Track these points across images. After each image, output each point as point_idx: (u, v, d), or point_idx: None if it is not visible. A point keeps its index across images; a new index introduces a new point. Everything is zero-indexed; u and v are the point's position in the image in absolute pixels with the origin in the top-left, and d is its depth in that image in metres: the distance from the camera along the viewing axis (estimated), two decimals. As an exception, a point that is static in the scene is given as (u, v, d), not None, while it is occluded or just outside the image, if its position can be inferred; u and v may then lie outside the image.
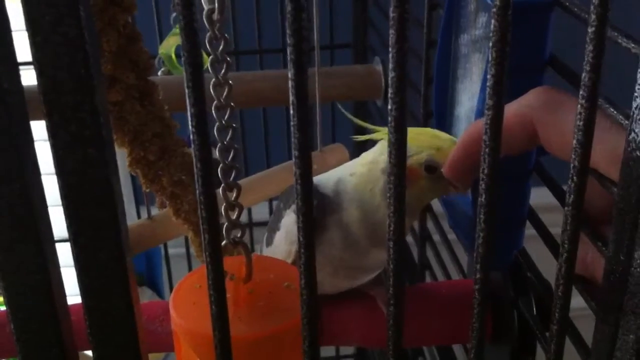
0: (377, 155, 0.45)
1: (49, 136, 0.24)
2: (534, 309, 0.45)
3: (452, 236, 0.58)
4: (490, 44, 0.23)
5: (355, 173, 0.45)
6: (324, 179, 0.46)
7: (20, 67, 0.24)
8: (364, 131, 1.01)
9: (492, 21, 0.23)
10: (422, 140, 0.43)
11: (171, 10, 0.86)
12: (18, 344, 0.29)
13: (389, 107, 0.24)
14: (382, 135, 0.46)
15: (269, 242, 0.50)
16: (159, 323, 0.49)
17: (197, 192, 0.25)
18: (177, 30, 0.85)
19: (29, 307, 0.28)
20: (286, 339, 0.36)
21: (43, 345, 0.29)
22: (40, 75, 0.23)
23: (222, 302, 0.27)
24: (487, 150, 0.25)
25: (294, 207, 0.47)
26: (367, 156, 0.46)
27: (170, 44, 0.85)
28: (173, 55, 0.86)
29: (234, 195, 0.35)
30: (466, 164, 0.40)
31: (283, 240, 0.48)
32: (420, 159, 0.42)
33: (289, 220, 0.47)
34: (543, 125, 0.35)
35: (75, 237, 0.26)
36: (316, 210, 0.43)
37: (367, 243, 0.45)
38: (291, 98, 0.24)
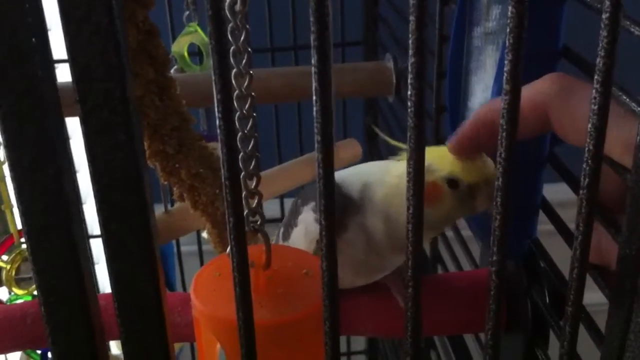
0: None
1: (81, 122, 0.25)
2: (547, 298, 0.46)
3: (464, 231, 0.58)
4: (508, 30, 0.24)
5: (386, 183, 0.45)
6: (349, 179, 0.46)
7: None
8: (374, 130, 1.01)
9: (510, 7, 0.24)
10: (445, 158, 0.42)
11: (184, 8, 0.87)
12: (48, 327, 0.29)
13: (409, 92, 0.25)
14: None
15: (286, 237, 0.51)
16: (177, 314, 0.50)
17: (223, 177, 0.26)
18: (190, 29, 0.86)
19: (59, 291, 0.28)
20: (306, 325, 0.37)
21: (73, 328, 0.29)
22: (73, 63, 0.24)
23: (246, 283, 0.28)
24: (504, 134, 0.26)
25: (312, 204, 0.48)
26: (399, 167, 0.45)
27: (183, 43, 0.86)
28: (186, 54, 0.87)
29: (254, 183, 0.35)
30: (473, 143, 0.40)
31: (302, 237, 0.48)
32: (442, 174, 0.42)
33: (308, 218, 0.48)
34: (557, 111, 0.36)
35: (106, 222, 0.27)
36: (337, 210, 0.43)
37: (387, 249, 0.45)
38: (314, 84, 0.25)
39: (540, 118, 0.37)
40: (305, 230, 0.48)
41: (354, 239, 0.45)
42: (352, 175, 0.46)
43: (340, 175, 0.45)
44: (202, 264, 1.03)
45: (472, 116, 0.40)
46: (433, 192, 0.42)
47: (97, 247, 1.00)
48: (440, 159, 0.42)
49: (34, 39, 0.23)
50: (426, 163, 0.42)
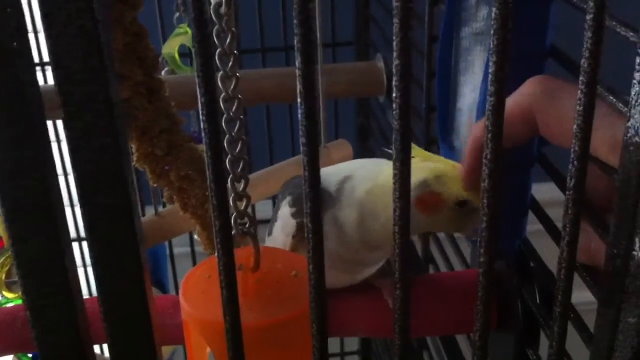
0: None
1: (64, 126, 0.25)
2: (538, 297, 0.46)
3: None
4: (492, 32, 0.24)
5: (373, 180, 0.44)
6: (329, 174, 0.46)
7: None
8: (367, 131, 1.01)
9: (494, 9, 0.24)
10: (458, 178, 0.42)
11: (174, 10, 0.87)
12: (34, 331, 0.29)
13: (394, 94, 0.25)
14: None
15: (270, 232, 0.51)
16: (168, 316, 0.49)
17: (208, 179, 0.26)
18: (180, 30, 0.86)
19: (45, 295, 0.28)
20: (295, 326, 0.36)
21: (59, 332, 0.29)
22: (55, 67, 0.24)
23: (232, 286, 0.28)
24: (489, 135, 0.26)
25: (288, 199, 0.47)
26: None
27: (173, 44, 0.86)
28: (176, 55, 0.86)
29: (242, 186, 0.35)
30: (479, 168, 0.40)
31: (280, 231, 0.48)
32: (453, 192, 0.41)
33: (285, 212, 0.48)
34: (542, 113, 0.36)
35: (91, 226, 0.27)
36: None
37: (359, 244, 0.45)
38: (299, 87, 0.25)
39: (529, 122, 0.37)
40: (282, 225, 0.48)
41: (326, 230, 0.44)
42: (332, 171, 0.46)
43: (322, 170, 0.45)
44: (194, 265, 1.03)
45: (467, 147, 0.40)
46: (438, 204, 0.42)
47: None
48: (458, 172, 0.42)
49: (15, 43, 0.23)
50: (440, 172, 0.42)
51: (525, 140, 0.39)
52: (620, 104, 0.32)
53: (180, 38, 0.86)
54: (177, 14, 0.86)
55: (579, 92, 0.26)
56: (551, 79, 0.37)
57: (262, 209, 1.00)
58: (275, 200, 1.01)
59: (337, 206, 0.45)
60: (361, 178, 0.45)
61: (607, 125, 0.32)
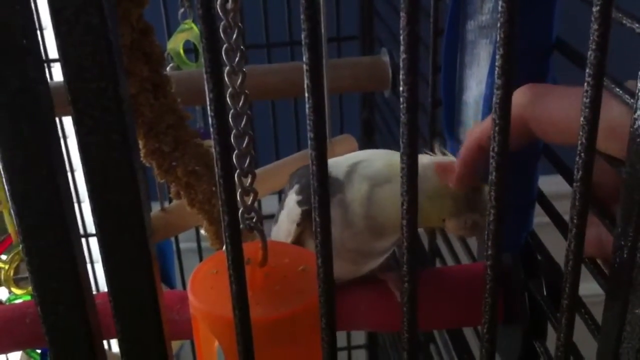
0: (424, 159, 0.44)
1: (73, 122, 0.25)
2: (545, 290, 0.46)
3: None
4: (499, 25, 0.24)
5: (388, 160, 0.45)
6: (337, 162, 0.46)
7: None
8: (372, 125, 1.01)
9: (500, 2, 0.24)
10: None
11: (179, 6, 0.87)
12: (44, 327, 0.29)
13: (401, 88, 0.25)
14: None
15: (276, 221, 0.51)
16: (176, 311, 0.50)
17: (217, 175, 0.26)
18: (185, 26, 0.86)
19: (55, 291, 0.29)
20: (303, 321, 0.37)
21: (69, 328, 0.29)
22: (65, 63, 0.24)
23: (241, 281, 0.28)
24: (497, 129, 0.26)
25: (296, 187, 0.48)
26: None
27: (179, 40, 0.86)
28: (181, 51, 0.87)
29: (249, 181, 0.35)
30: (471, 175, 0.41)
31: (285, 219, 0.48)
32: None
33: (291, 200, 0.48)
34: (535, 119, 0.37)
35: (100, 221, 0.27)
36: None
37: (361, 225, 0.45)
38: (306, 81, 0.25)
39: (520, 130, 0.37)
40: (287, 213, 0.48)
41: (332, 216, 0.44)
42: (344, 158, 0.46)
43: (332, 159, 0.45)
44: (201, 260, 1.03)
45: (461, 152, 0.41)
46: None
47: (96, 246, 1.00)
48: None
49: (25, 40, 0.23)
50: None
51: (519, 148, 0.39)
52: (627, 96, 0.32)
53: (185, 34, 0.86)
54: (181, 10, 0.86)
55: (585, 84, 0.26)
56: (536, 86, 0.38)
57: (268, 204, 1.00)
58: (280, 196, 1.02)
59: (345, 189, 0.45)
60: (378, 157, 0.45)
61: (602, 113, 0.32)
